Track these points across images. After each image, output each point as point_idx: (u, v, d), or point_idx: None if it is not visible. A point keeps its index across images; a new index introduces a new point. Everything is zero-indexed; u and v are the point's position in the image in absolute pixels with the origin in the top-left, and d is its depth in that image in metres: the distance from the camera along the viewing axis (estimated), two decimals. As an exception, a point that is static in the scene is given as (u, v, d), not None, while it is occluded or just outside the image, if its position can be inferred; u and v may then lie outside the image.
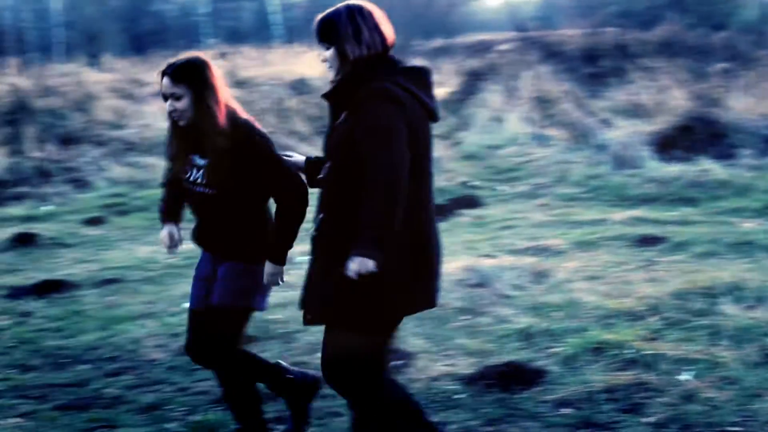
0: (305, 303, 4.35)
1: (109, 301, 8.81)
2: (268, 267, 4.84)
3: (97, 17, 40.30)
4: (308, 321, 4.35)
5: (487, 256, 9.11)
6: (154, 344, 7.29)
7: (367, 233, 4.02)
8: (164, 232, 5.16)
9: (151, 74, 25.04)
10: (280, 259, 4.84)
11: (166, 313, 8.20)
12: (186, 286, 8.83)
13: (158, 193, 14.55)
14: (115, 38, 43.41)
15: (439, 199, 12.97)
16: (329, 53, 4.33)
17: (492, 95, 20.73)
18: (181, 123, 4.77)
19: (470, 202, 13.01)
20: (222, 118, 4.72)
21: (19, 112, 19.45)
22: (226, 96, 4.82)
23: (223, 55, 27.61)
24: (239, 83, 22.83)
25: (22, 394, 6.36)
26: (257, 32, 45.70)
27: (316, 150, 19.53)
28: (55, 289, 9.24)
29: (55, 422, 5.77)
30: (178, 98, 4.72)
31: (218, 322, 4.88)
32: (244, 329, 4.99)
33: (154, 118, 18.89)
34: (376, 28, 4.32)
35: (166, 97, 4.76)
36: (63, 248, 11.60)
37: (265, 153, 4.77)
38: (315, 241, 4.34)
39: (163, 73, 4.76)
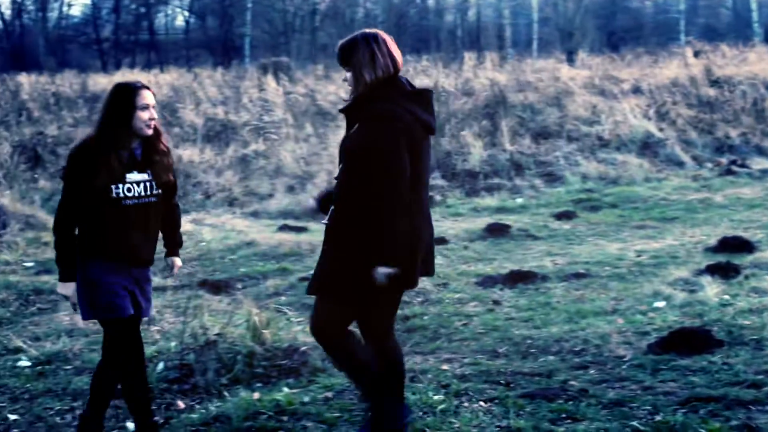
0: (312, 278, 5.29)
1: (576, 295, 8.88)
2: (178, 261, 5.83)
3: (573, 14, 40.80)
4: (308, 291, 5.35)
5: None
6: (620, 341, 7.26)
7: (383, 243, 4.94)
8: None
9: (627, 71, 25.04)
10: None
11: (634, 311, 8.14)
12: (655, 285, 8.75)
13: (627, 190, 14.42)
14: (590, 35, 43.75)
15: None
16: (349, 75, 5.10)
17: None
18: (149, 132, 5.27)
19: None
20: None
21: (496, 106, 20.12)
22: None
23: (696, 54, 26.96)
24: (714, 82, 22.19)
25: (490, 380, 6.56)
26: (734, 30, 44.21)
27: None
28: (524, 279, 9.46)
29: (522, 410, 5.88)
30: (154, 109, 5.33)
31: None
32: None
33: (627, 115, 18.83)
34: (389, 53, 5.09)
35: (145, 108, 5.24)
36: (533, 240, 11.85)
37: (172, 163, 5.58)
38: (327, 229, 5.17)
39: (146, 87, 5.31)
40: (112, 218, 5.21)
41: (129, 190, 5.21)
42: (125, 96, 5.21)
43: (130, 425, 5.90)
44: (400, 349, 5.54)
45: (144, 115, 5.20)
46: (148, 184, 5.30)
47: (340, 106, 5.35)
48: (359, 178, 5.02)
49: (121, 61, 52.23)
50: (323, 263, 5.21)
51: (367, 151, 4.97)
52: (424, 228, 5.15)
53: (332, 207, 5.17)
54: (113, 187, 5.17)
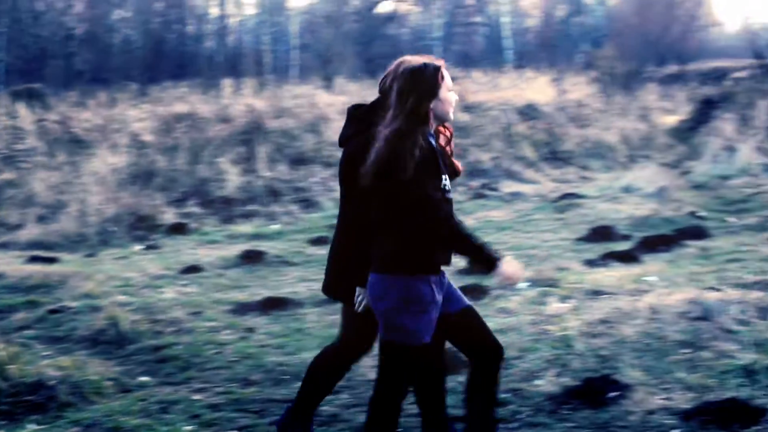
0: None
1: (329, 320, 8.95)
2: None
3: (331, 40, 41.32)
4: None
5: (712, 289, 8.80)
6: (370, 365, 7.36)
7: None
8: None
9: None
10: None
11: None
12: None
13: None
14: (348, 61, 44.36)
15: (664, 229, 12.67)
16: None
17: (725, 124, 20.19)
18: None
19: (697, 233, 12.57)
20: None
21: (253, 132, 20.13)
22: None
23: (452, 80, 27.74)
24: (468, 108, 22.89)
25: (242, 408, 6.56)
26: (489, 57, 45.87)
27: (541, 175, 19.31)
28: (279, 306, 9.49)
29: (271, 437, 5.92)
30: None
31: None
32: None
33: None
34: None
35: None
36: (288, 266, 11.90)
37: None
38: None
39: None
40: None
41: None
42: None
43: None
44: None
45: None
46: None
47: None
48: None
49: None
50: None
51: None
52: None
53: None
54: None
